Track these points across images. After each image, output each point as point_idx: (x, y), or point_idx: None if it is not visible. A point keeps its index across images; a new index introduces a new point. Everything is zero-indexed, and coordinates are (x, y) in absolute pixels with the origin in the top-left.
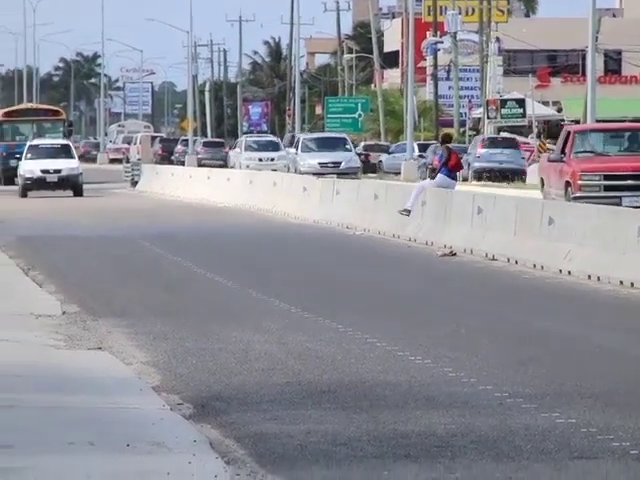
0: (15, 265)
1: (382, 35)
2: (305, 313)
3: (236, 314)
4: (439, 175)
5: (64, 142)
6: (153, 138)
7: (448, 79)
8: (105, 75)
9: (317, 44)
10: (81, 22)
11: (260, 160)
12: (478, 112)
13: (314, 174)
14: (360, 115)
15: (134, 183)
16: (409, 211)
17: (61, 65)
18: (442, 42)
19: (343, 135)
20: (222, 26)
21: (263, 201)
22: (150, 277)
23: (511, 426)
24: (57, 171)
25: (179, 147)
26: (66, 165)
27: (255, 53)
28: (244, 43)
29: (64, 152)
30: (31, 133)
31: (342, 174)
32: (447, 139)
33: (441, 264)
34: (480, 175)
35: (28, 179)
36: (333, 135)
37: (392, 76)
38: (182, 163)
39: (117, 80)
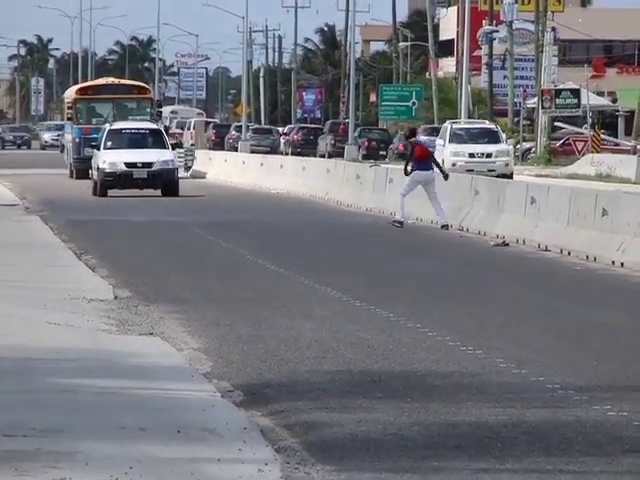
0: (68, 249)
1: (437, 23)
2: (356, 301)
3: (287, 301)
4: (413, 173)
5: (154, 127)
6: (207, 124)
7: (503, 68)
8: (160, 59)
9: (372, 31)
10: (137, 6)
11: (471, 156)
12: (532, 102)
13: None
14: (414, 103)
15: (187, 168)
16: (401, 222)
17: (116, 49)
18: (498, 31)
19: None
20: (278, 12)
21: (316, 188)
22: (202, 263)
23: (562, 418)
24: (147, 165)
25: (232, 133)
26: (158, 157)
27: (307, 40)
28: (299, 29)
29: (155, 140)
30: (111, 114)
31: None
32: (411, 134)
33: (493, 254)
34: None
35: (109, 175)
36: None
37: (447, 65)
38: (235, 149)
39: (172, 65)
